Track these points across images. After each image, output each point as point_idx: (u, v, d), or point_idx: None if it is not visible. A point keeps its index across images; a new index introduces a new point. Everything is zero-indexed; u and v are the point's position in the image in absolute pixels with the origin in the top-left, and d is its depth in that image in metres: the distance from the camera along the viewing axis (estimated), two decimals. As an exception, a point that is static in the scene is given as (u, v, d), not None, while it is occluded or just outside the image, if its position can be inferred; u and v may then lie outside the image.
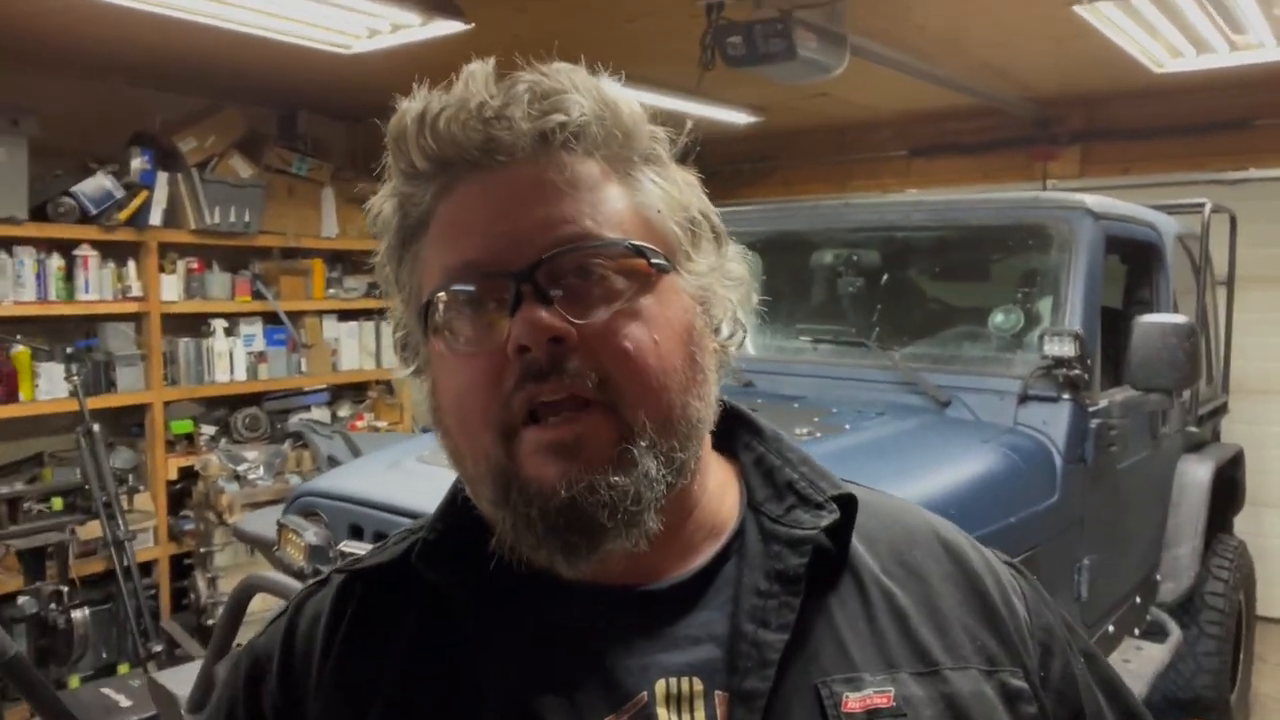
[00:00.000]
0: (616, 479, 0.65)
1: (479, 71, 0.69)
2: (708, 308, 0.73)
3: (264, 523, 2.85)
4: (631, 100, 0.71)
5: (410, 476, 2.31)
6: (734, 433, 0.82)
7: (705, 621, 0.71)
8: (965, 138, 5.74)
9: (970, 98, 4.79)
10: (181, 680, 2.19)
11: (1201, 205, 3.79)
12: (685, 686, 0.68)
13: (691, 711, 0.68)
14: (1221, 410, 4.17)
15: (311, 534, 2.00)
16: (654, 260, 0.69)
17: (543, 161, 0.67)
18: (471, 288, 0.68)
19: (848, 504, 0.75)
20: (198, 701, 2.05)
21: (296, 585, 1.98)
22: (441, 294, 0.68)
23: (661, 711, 0.68)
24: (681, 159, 0.75)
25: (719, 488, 0.77)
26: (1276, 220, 4.87)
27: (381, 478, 2.32)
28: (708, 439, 0.75)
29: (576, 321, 0.65)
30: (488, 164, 0.68)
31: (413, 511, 2.08)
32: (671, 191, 0.72)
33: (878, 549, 0.77)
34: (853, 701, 0.68)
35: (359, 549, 1.96)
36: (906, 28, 3.77)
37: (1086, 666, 0.82)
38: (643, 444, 0.66)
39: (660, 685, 0.68)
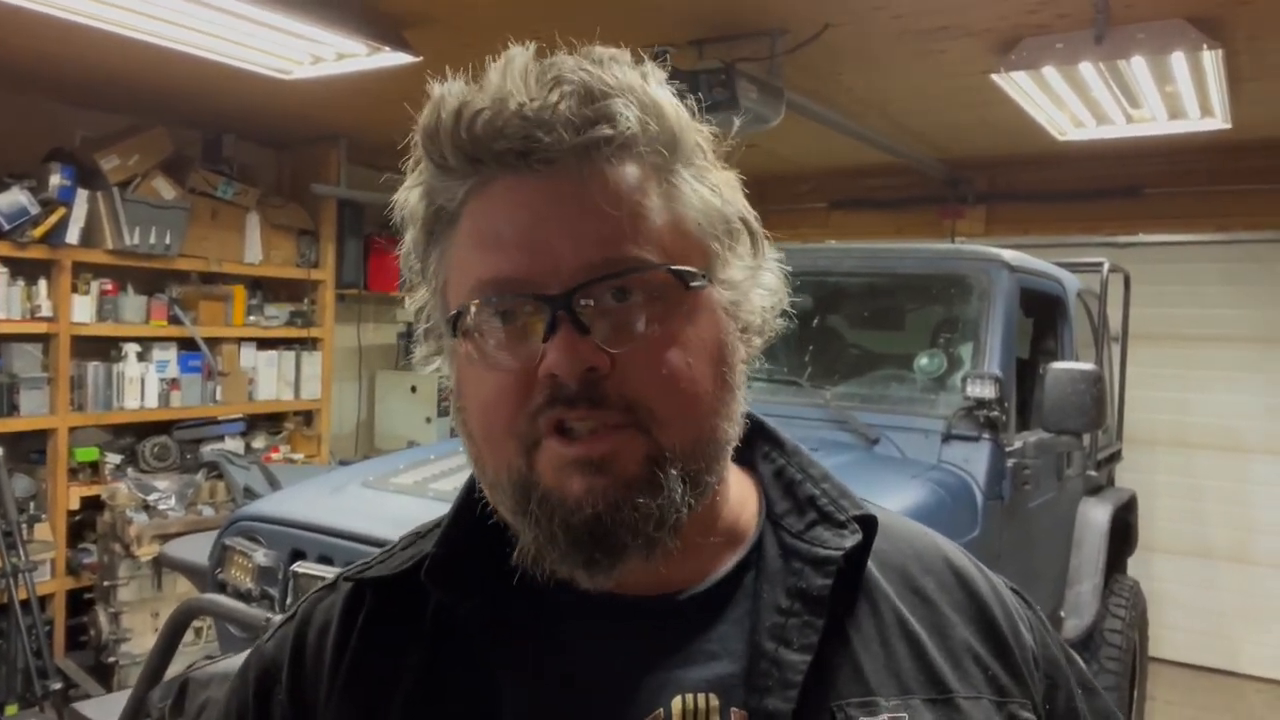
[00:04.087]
0: (642, 500, 0.64)
1: (519, 60, 0.66)
2: (740, 318, 0.71)
3: (189, 550, 2.77)
4: (677, 104, 0.69)
5: (355, 501, 2.29)
6: (753, 442, 0.80)
7: (721, 636, 0.70)
8: (880, 193, 6.01)
9: (888, 156, 5.03)
10: (105, 711, 2.10)
11: (1100, 265, 4.07)
12: (702, 703, 0.68)
13: None
14: (1116, 457, 4.43)
15: (261, 555, 1.96)
16: (692, 283, 0.67)
17: (583, 172, 0.65)
18: (503, 305, 0.66)
19: (868, 525, 0.74)
20: (125, 732, 1.98)
21: (242, 608, 1.93)
22: (472, 305, 0.66)
23: None
24: (725, 158, 0.73)
25: (738, 497, 0.76)
26: (1162, 282, 5.24)
27: (325, 503, 2.29)
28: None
29: (611, 350, 0.64)
30: (526, 168, 0.65)
31: (360, 536, 2.06)
32: (712, 200, 0.70)
33: (890, 572, 0.76)
34: None
35: (312, 570, 1.94)
36: (835, 88, 3.96)
37: (1086, 700, 0.82)
38: (673, 469, 0.65)
39: (677, 702, 0.67)
